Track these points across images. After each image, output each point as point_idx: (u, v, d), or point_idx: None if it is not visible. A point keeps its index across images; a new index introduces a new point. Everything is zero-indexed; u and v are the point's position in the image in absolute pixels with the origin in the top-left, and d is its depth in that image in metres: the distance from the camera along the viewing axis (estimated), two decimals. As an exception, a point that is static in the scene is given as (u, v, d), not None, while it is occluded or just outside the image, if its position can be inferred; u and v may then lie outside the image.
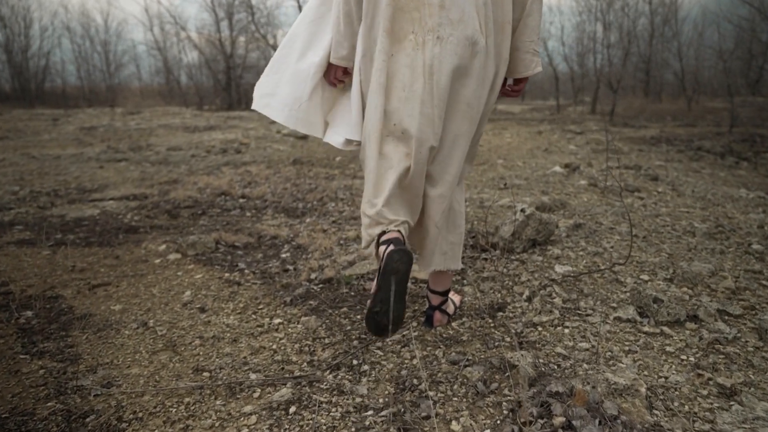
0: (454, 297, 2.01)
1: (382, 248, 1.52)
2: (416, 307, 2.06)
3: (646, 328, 1.72)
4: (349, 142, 1.72)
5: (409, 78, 1.50)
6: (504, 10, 1.53)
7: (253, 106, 1.80)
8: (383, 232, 1.55)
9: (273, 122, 10.63)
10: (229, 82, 18.67)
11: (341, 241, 2.95)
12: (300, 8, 13.59)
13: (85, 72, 27.14)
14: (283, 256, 2.82)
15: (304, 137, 7.88)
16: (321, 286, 2.35)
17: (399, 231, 1.56)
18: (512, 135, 8.75)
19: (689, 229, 2.87)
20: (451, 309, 1.94)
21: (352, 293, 2.24)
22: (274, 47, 15.10)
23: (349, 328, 1.94)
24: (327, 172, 5.14)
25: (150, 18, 28.35)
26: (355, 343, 1.82)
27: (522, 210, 2.64)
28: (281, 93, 1.75)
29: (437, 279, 1.86)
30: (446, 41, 1.46)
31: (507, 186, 2.53)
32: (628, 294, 2.01)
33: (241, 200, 4.10)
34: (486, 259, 2.54)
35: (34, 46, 25.13)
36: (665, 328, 1.72)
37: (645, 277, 2.17)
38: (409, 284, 2.29)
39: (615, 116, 12.66)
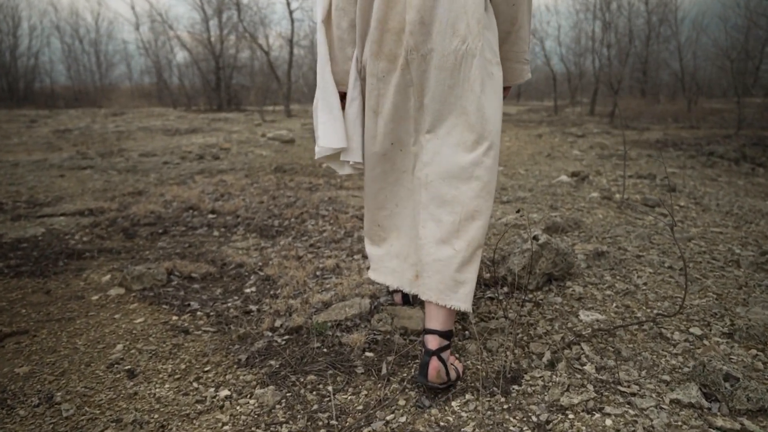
0: (455, 363, 1.55)
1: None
2: (405, 374, 1.59)
3: (719, 422, 1.26)
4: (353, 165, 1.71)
5: (400, 98, 1.51)
6: (488, 18, 1.47)
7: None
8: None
9: (258, 125, 10.15)
10: (218, 83, 18.15)
11: (317, 272, 2.48)
12: (288, 5, 13.10)
13: (75, 72, 26.65)
14: (247, 291, 2.35)
15: (290, 141, 7.40)
16: (286, 338, 1.87)
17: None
18: (511, 138, 8.31)
19: (731, 258, 2.42)
20: (453, 373, 1.50)
21: (325, 350, 1.77)
22: (263, 47, 14.60)
23: (315, 407, 1.46)
24: (310, 181, 4.66)
25: (137, 16, 27.72)
26: (322, 433, 1.35)
27: (535, 237, 2.18)
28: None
29: (435, 314, 1.52)
30: (429, 56, 1.45)
31: (520, 213, 2.10)
32: (680, 358, 1.55)
33: (210, 216, 3.62)
34: (492, 299, 2.08)
35: (23, 46, 24.62)
36: (746, 422, 1.26)
37: (696, 330, 1.71)
38: (397, 336, 1.82)
39: (615, 118, 12.25)
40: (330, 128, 1.61)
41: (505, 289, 2.14)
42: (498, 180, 4.63)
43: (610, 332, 1.70)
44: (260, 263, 2.65)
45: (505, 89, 1.70)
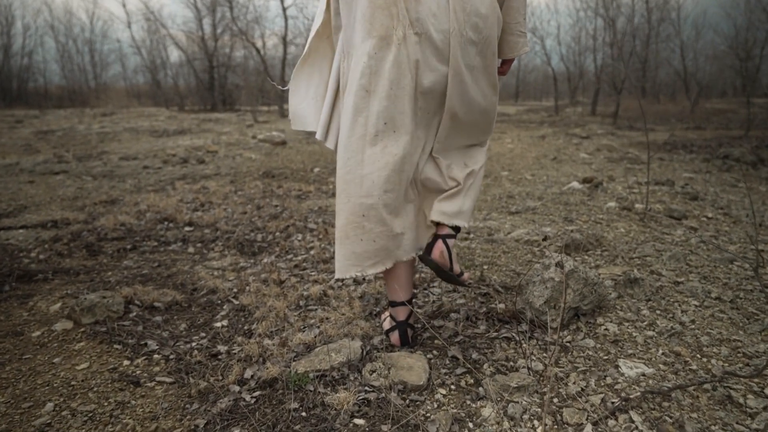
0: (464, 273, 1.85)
1: (390, 320, 1.73)
2: (405, 455, 1.23)
3: None
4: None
5: (396, 75, 1.47)
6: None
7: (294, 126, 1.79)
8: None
9: (250, 126, 9.79)
10: (212, 82, 17.75)
11: (301, 302, 2.12)
12: (282, 2, 12.73)
13: (70, 71, 26.33)
14: (217, 325, 1.99)
15: (281, 143, 7.03)
16: (258, 394, 1.51)
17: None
18: (513, 140, 7.96)
19: (786, 285, 2.06)
20: (456, 268, 1.75)
21: (304, 413, 1.41)
22: (255, 45, 14.23)
23: (286, 507, 1.10)
24: (300, 188, 4.30)
25: (128, 14, 27.18)
26: None
27: (558, 264, 1.82)
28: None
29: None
30: (425, 36, 1.44)
31: (547, 240, 1.76)
32: (763, 437, 1.19)
33: (186, 229, 3.26)
34: (509, 340, 1.72)
35: (16, 45, 24.30)
36: None
37: (773, 392, 1.35)
38: (394, 395, 1.46)
39: (618, 118, 11.92)
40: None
41: (524, 326, 1.78)
42: (504, 187, 4.27)
43: (664, 395, 1.35)
44: (236, 289, 2.29)
45: (508, 61, 1.70)
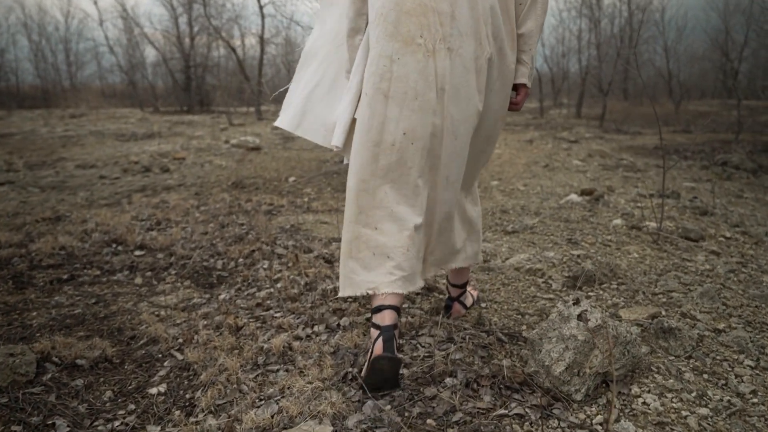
0: (472, 291, 1.97)
1: (373, 331, 1.45)
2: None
3: None
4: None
5: (423, 86, 1.42)
6: (510, 20, 1.49)
7: (279, 124, 1.73)
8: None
9: (224, 129, 9.31)
10: (188, 82, 17.15)
11: (259, 359, 1.71)
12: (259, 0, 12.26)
13: (44, 71, 25.44)
14: (152, 392, 1.58)
15: (256, 149, 6.59)
16: None
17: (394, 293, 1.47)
18: (500, 144, 7.62)
19: None
20: (469, 301, 1.94)
21: None
22: (230, 43, 13.72)
23: None
24: (271, 201, 3.88)
25: (100, 11, 26.21)
26: None
27: (581, 316, 1.44)
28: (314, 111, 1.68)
29: (457, 273, 1.84)
30: (456, 53, 1.41)
31: (580, 302, 1.42)
32: None
33: (136, 254, 2.83)
34: (521, 419, 1.34)
35: (-13, 43, 23.42)
36: None
37: None
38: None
39: (604, 121, 11.67)
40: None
41: (538, 398, 1.40)
42: (496, 200, 3.90)
43: None
44: (181, 339, 1.88)
45: (521, 90, 1.62)
